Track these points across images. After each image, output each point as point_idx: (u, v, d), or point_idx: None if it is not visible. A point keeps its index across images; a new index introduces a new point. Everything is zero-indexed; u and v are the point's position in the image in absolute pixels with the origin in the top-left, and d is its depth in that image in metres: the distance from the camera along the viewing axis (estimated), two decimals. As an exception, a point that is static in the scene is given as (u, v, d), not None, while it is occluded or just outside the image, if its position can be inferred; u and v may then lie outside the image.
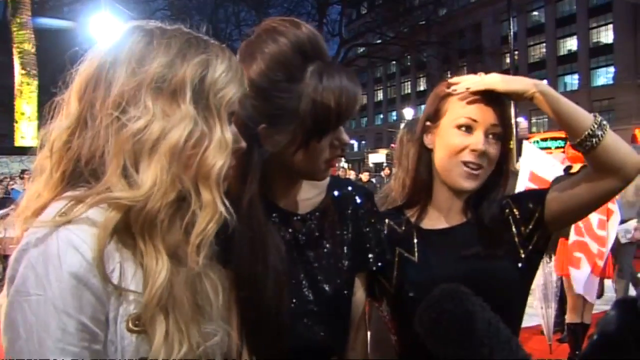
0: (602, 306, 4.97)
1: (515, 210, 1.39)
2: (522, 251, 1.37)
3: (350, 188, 1.36)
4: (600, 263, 4.26)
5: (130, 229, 0.90)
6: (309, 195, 1.30)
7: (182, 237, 0.93)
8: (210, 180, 0.93)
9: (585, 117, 1.26)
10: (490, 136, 1.33)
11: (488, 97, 1.32)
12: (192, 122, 0.92)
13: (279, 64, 1.13)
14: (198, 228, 0.92)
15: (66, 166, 0.93)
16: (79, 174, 0.93)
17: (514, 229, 1.38)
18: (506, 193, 1.45)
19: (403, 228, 1.43)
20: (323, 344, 1.26)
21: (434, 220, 1.43)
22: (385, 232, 1.42)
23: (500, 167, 1.39)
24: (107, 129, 0.90)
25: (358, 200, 1.34)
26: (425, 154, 1.42)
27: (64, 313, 0.83)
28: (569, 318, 4.44)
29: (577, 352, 4.32)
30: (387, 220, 1.45)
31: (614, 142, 1.25)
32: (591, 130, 1.24)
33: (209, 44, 0.99)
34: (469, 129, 1.33)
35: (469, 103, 1.34)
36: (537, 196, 1.39)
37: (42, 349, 0.82)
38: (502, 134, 1.35)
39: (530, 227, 1.36)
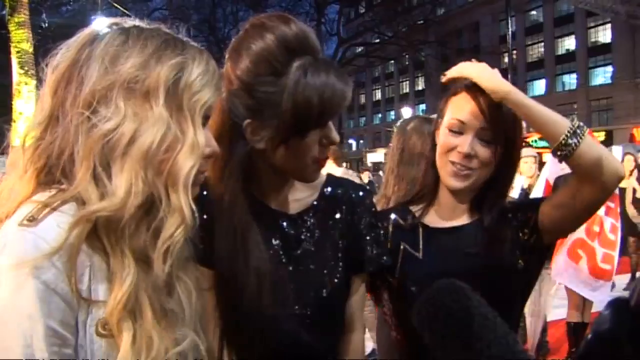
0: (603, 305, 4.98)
1: (515, 215, 1.40)
2: (521, 256, 1.37)
3: (346, 187, 1.33)
4: (608, 267, 4.27)
5: (98, 232, 0.88)
6: (302, 195, 1.28)
7: (150, 240, 0.91)
8: (179, 184, 0.90)
9: (558, 125, 1.25)
10: (481, 139, 1.34)
11: (481, 100, 1.33)
12: (165, 126, 0.90)
13: (263, 59, 1.11)
14: (165, 234, 0.90)
15: (39, 163, 0.91)
16: (51, 172, 0.91)
17: (514, 234, 1.38)
18: None
19: (409, 223, 1.45)
20: (315, 349, 1.23)
21: (440, 219, 1.44)
22: (391, 227, 1.44)
23: (499, 170, 1.39)
24: (77, 128, 0.88)
25: (354, 199, 1.31)
26: (433, 152, 1.45)
27: (32, 318, 0.81)
28: (569, 317, 4.45)
29: (575, 349, 4.33)
30: (393, 216, 1.47)
31: (590, 150, 1.23)
32: (564, 139, 1.23)
33: (187, 46, 0.97)
34: (459, 130, 1.35)
35: (461, 106, 1.36)
36: (532, 204, 1.40)
37: (10, 355, 0.80)
38: (494, 137, 1.34)
39: (527, 234, 1.37)
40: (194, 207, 0.93)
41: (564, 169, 4.74)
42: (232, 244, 1.15)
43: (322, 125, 1.14)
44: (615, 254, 4.32)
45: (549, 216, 1.34)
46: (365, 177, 13.52)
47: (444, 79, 1.40)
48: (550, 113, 1.27)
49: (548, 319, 4.94)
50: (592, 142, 1.24)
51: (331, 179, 1.34)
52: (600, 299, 4.28)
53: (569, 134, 1.23)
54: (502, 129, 1.34)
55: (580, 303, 4.39)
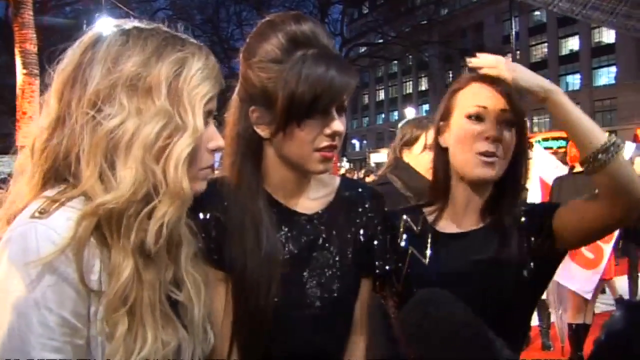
0: (604, 306, 4.98)
1: (530, 219, 1.37)
2: (532, 262, 1.34)
3: (360, 189, 1.35)
4: (591, 256, 4.23)
5: (101, 226, 0.90)
6: (318, 195, 1.29)
7: (150, 232, 0.92)
8: (172, 161, 0.92)
9: (593, 137, 1.19)
10: (503, 123, 1.32)
11: (496, 85, 1.31)
12: (167, 117, 0.93)
13: (269, 48, 1.15)
14: (158, 212, 0.91)
15: (46, 165, 0.94)
16: (58, 172, 0.94)
17: (526, 239, 1.35)
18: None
19: (419, 227, 1.43)
20: (324, 347, 1.25)
21: (451, 223, 1.41)
22: (402, 229, 1.43)
23: (516, 163, 1.36)
24: (83, 128, 0.91)
25: (368, 203, 1.33)
26: (441, 155, 1.41)
27: (44, 308, 0.83)
28: (571, 318, 4.42)
29: (578, 353, 4.31)
30: (404, 217, 1.45)
31: (618, 172, 1.17)
32: (594, 152, 1.18)
33: (186, 43, 1.00)
34: (479, 117, 1.32)
35: (476, 93, 1.34)
36: (548, 208, 1.35)
37: (24, 345, 0.82)
38: (514, 120, 1.32)
39: (540, 239, 1.33)
40: (187, 184, 0.94)
41: (557, 166, 4.71)
42: (245, 240, 1.17)
43: (320, 114, 1.15)
44: (603, 245, 4.22)
45: (564, 223, 1.30)
46: (371, 179, 13.49)
47: (472, 63, 1.32)
48: (589, 122, 1.21)
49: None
50: (622, 164, 1.18)
51: (346, 180, 1.36)
52: (584, 289, 4.21)
53: (600, 149, 1.17)
54: (518, 111, 1.32)
55: (583, 305, 4.37)
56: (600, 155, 1.17)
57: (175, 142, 0.93)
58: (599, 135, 1.20)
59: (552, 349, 4.83)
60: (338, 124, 1.16)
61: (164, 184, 0.92)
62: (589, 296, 4.23)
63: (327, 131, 1.16)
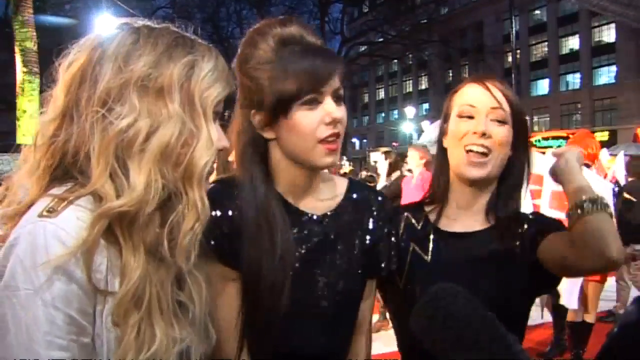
0: (605, 305, 4.98)
1: (532, 227, 1.38)
2: (530, 269, 1.34)
3: (368, 192, 1.36)
4: None
5: (112, 225, 0.90)
6: (327, 196, 1.30)
7: (164, 235, 0.93)
8: (195, 178, 0.94)
9: (584, 193, 1.23)
10: (494, 121, 1.34)
11: (489, 84, 1.35)
12: (181, 122, 0.93)
13: (261, 52, 1.16)
14: (186, 227, 0.93)
15: (52, 160, 0.94)
16: (66, 168, 0.93)
17: (527, 247, 1.36)
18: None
19: (421, 225, 1.44)
20: (329, 346, 1.27)
21: (452, 222, 1.42)
22: (403, 226, 1.44)
23: (512, 162, 1.38)
24: (93, 126, 0.91)
25: (375, 205, 1.34)
26: (442, 155, 1.44)
27: (52, 306, 0.84)
28: (570, 317, 4.43)
29: (578, 351, 4.31)
30: (406, 214, 1.47)
31: (600, 224, 1.18)
32: (581, 201, 1.21)
33: (196, 44, 1.00)
34: (470, 116, 1.35)
35: (468, 92, 1.38)
36: (544, 229, 1.35)
37: (31, 343, 0.83)
38: (506, 117, 1.35)
39: (533, 254, 1.34)
40: (207, 200, 0.96)
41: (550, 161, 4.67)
42: (260, 241, 1.18)
43: (315, 103, 1.15)
44: None
45: (546, 253, 1.31)
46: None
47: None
48: (580, 184, 1.27)
49: (544, 320, 4.94)
50: (606, 220, 1.19)
51: (354, 183, 1.37)
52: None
53: (589, 199, 1.20)
54: (511, 108, 1.35)
55: (581, 304, 4.37)
56: (586, 204, 1.19)
57: (192, 153, 0.94)
58: (590, 190, 1.24)
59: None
60: (336, 110, 1.16)
61: (183, 193, 0.93)
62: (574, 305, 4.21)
63: (327, 119, 1.16)
